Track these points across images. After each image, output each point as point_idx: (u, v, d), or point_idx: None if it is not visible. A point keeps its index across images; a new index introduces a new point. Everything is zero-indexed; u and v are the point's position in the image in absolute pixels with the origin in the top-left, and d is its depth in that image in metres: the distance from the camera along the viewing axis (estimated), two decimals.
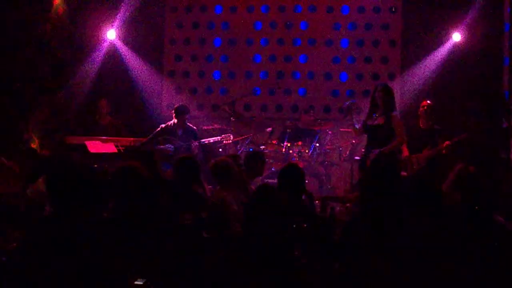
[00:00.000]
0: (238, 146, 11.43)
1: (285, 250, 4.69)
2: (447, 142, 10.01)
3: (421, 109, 10.47)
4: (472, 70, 12.13)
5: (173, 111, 11.13)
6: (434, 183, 5.22)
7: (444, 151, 9.99)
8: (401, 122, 9.14)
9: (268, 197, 4.69)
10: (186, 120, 11.01)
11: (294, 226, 5.55)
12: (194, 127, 11.16)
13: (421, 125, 10.42)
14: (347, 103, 9.69)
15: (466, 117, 11.98)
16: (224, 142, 11.09)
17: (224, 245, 5.49)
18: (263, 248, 4.55)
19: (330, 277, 4.84)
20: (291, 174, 6.43)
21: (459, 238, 4.78)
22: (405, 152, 10.09)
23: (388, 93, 9.22)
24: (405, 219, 4.90)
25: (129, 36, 13.11)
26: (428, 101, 10.48)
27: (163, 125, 11.07)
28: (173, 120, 11.04)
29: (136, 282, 4.41)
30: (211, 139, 11.03)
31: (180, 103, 11.45)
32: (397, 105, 9.37)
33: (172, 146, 10.75)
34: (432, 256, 4.61)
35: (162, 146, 10.80)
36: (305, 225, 5.61)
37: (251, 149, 11.09)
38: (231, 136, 11.10)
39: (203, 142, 10.95)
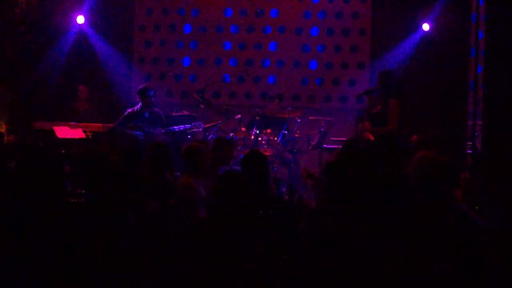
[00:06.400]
0: (207, 133, 11.41)
1: (251, 237, 4.70)
2: (414, 137, 9.99)
3: None
4: (440, 60, 12.22)
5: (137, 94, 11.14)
6: (401, 174, 5.28)
7: (411, 144, 9.93)
8: (396, 109, 8.96)
9: (233, 184, 4.70)
10: (152, 99, 10.99)
11: (261, 212, 5.58)
12: (161, 112, 11.15)
13: None
14: (370, 88, 9.53)
15: (433, 109, 12.08)
16: (195, 130, 11.09)
17: (191, 232, 5.49)
18: (229, 235, 4.57)
19: (296, 265, 4.86)
20: (253, 160, 6.44)
21: (423, 226, 4.85)
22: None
23: (382, 79, 9.14)
24: (372, 207, 4.95)
25: (99, 21, 13.01)
26: None
27: (129, 110, 11.06)
28: (139, 104, 11.03)
29: None
30: (181, 127, 11.01)
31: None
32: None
33: (142, 133, 10.71)
34: (398, 243, 4.66)
35: (132, 132, 10.76)
36: (271, 212, 5.64)
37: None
38: (202, 125, 11.09)
39: (174, 129, 10.94)
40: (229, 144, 8.59)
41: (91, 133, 11.00)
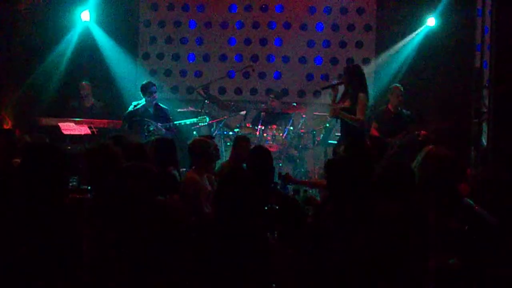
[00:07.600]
0: (212, 129, 11.42)
1: (257, 233, 4.70)
2: (423, 132, 9.99)
3: (391, 93, 10.55)
4: (445, 55, 12.20)
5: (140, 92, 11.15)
6: (409, 167, 5.27)
7: (420, 139, 9.93)
8: (364, 103, 9.06)
9: (240, 180, 4.69)
10: (154, 95, 10.99)
11: (267, 208, 5.58)
12: (166, 107, 11.15)
13: (391, 109, 10.48)
14: (336, 81, 9.67)
15: (439, 103, 12.06)
16: (200, 124, 11.10)
17: (197, 227, 5.49)
18: (235, 231, 4.56)
19: (302, 260, 4.86)
20: (258, 156, 6.43)
21: (428, 218, 4.84)
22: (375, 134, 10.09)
23: (349, 74, 9.23)
24: (375, 202, 4.94)
25: (104, 17, 12.99)
26: (399, 86, 10.58)
27: (135, 103, 11.07)
28: (143, 99, 11.03)
29: None
30: (187, 121, 11.03)
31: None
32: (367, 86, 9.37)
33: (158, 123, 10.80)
34: (402, 238, 4.65)
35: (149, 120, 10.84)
36: (277, 207, 5.63)
37: (225, 132, 11.13)
38: (207, 119, 11.11)
39: (179, 123, 10.96)
40: (247, 142, 8.65)
41: (97, 129, 11.00)
